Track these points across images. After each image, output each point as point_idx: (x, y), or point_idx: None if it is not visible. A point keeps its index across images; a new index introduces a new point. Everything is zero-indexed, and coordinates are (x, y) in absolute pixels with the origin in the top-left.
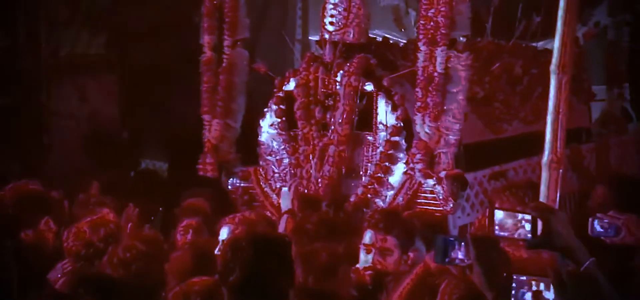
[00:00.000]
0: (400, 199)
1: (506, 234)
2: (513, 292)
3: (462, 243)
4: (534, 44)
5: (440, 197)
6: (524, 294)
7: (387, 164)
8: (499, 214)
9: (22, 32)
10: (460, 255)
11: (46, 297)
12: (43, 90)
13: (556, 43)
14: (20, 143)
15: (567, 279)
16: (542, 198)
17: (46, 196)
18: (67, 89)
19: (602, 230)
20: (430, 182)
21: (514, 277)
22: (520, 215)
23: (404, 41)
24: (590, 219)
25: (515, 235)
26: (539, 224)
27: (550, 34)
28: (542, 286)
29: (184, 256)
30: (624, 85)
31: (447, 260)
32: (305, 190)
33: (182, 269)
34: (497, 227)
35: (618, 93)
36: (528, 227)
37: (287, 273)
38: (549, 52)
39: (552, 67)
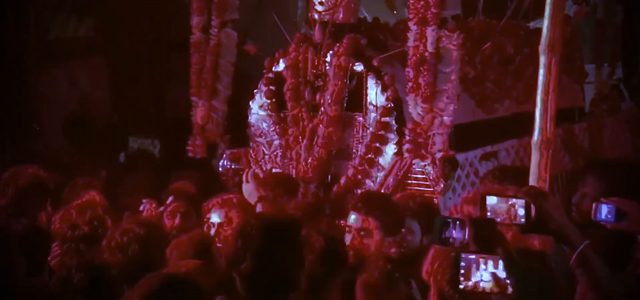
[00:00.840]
0: (391, 180)
1: (498, 219)
2: (462, 271)
3: (458, 223)
4: (526, 24)
5: (431, 178)
6: (474, 271)
7: (377, 144)
8: (490, 199)
9: (10, 16)
10: (455, 235)
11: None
12: (32, 75)
13: (545, 22)
14: (10, 129)
15: (517, 256)
16: (532, 178)
17: (47, 181)
18: (56, 74)
19: (604, 215)
20: (421, 163)
21: (462, 255)
22: (512, 200)
23: (395, 21)
24: (593, 204)
25: (509, 220)
26: (532, 208)
27: (542, 14)
28: (490, 264)
29: (185, 242)
30: (617, 64)
31: (442, 239)
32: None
33: (183, 255)
34: (488, 212)
35: (609, 72)
36: (521, 211)
37: (298, 256)
38: (541, 31)
39: (541, 46)
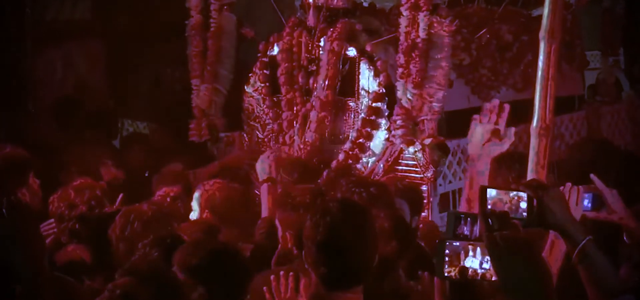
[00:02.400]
0: (381, 165)
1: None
2: (446, 259)
3: (469, 219)
4: (527, 11)
5: (421, 164)
6: (462, 258)
7: (368, 129)
8: (491, 192)
9: None
10: (466, 231)
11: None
12: (27, 57)
13: (546, 8)
14: (5, 110)
15: (502, 242)
16: (531, 165)
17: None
18: (52, 56)
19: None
20: (412, 149)
21: (447, 243)
22: (513, 193)
23: (391, 6)
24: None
25: (511, 214)
26: (534, 201)
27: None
28: (478, 251)
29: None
30: (619, 51)
31: (456, 235)
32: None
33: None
34: (490, 206)
35: (613, 61)
36: (523, 204)
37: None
38: (541, 18)
39: (542, 33)
